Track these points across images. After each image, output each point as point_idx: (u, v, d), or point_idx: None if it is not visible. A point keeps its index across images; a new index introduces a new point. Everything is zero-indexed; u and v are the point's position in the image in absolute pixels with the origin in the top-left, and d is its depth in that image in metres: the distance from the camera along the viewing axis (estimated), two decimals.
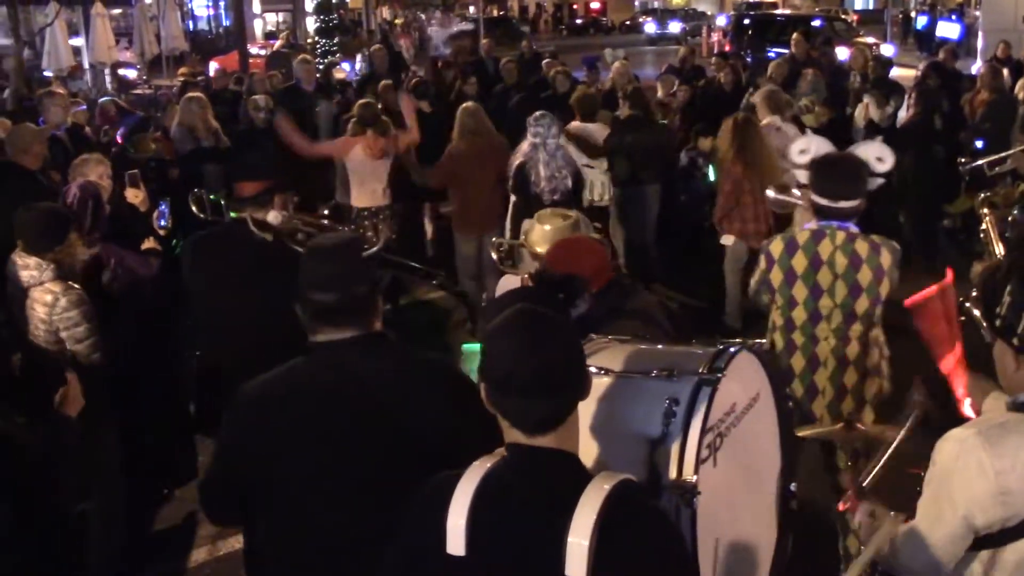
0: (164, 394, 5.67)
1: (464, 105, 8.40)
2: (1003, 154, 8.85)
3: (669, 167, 9.46)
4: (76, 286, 4.62)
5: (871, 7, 56.64)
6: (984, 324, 2.50)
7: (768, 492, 2.90)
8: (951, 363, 3.11)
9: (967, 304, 6.04)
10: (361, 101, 8.74)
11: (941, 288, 3.24)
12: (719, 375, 2.52)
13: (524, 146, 7.42)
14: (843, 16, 38.71)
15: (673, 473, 2.40)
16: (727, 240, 7.93)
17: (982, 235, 5.96)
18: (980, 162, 8.84)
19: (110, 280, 5.16)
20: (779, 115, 8.58)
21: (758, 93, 9.28)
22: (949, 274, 3.33)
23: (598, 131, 9.04)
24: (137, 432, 5.18)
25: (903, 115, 9.93)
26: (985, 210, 5.93)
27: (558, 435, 2.09)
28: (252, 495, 2.78)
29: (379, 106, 8.85)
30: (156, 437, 5.52)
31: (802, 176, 4.50)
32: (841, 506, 2.89)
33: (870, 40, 26.57)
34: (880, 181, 4.34)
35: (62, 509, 4.12)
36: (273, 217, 4.32)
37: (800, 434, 3.83)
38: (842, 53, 15.46)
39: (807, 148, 4.51)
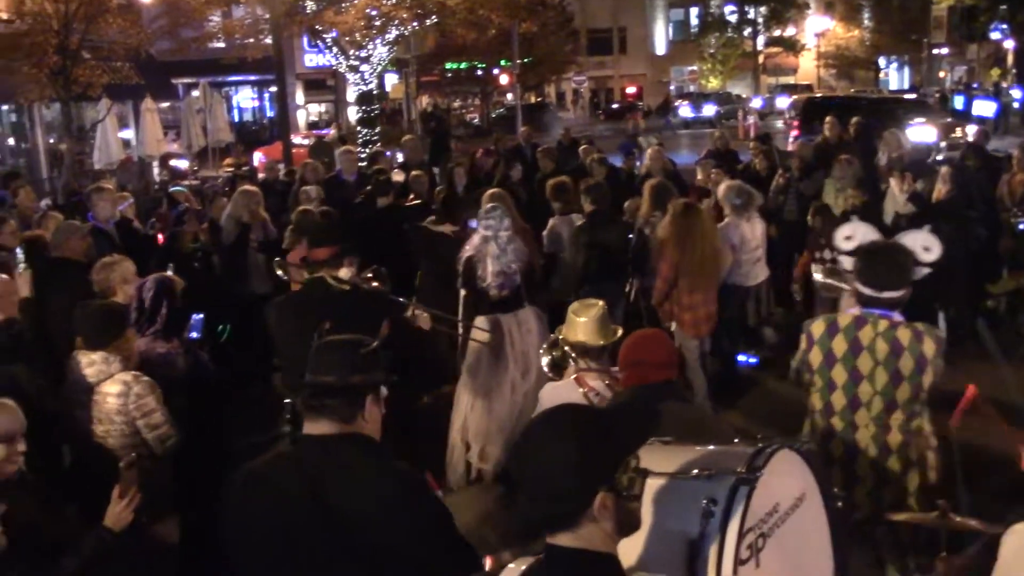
0: (214, 485, 5.70)
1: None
2: None
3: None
4: (144, 376, 4.71)
5: (905, 87, 56.97)
6: None
7: None
8: None
9: None
10: (300, 208, 8.80)
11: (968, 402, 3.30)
12: (757, 474, 2.50)
13: (475, 239, 7.13)
14: (924, 97, 37.22)
15: (711, 574, 2.39)
16: (674, 328, 7.67)
17: None
18: None
19: (181, 371, 5.29)
20: (748, 210, 8.56)
21: (720, 188, 9.19)
22: (970, 389, 3.48)
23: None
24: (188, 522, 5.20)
25: (936, 193, 9.92)
26: None
27: (585, 535, 2.08)
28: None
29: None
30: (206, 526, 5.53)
31: (847, 262, 4.49)
32: None
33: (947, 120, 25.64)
34: (926, 271, 4.33)
35: None
36: (345, 272, 5.17)
37: (895, 519, 3.81)
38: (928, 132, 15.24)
39: (852, 234, 4.51)
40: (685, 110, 52.15)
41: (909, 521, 3.92)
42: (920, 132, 18.09)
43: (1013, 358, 8.80)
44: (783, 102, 52.49)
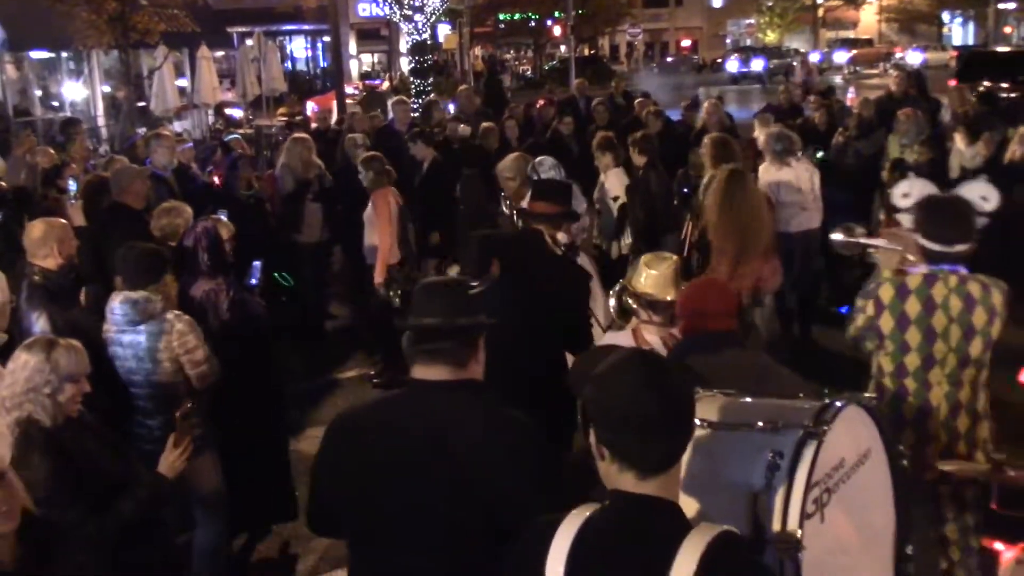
0: (265, 429, 5.78)
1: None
2: None
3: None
4: (185, 315, 4.81)
5: (971, 43, 55.51)
6: None
7: (884, 552, 2.81)
8: None
9: None
10: (368, 156, 8.61)
11: None
12: (825, 428, 2.46)
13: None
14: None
15: (776, 527, 2.36)
16: None
17: None
18: None
19: (227, 311, 5.35)
20: (789, 155, 8.41)
21: (761, 137, 9.04)
22: None
23: None
24: (238, 466, 5.27)
25: (1009, 153, 9.64)
26: None
27: (664, 482, 2.09)
28: (340, 516, 2.89)
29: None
30: (257, 471, 5.60)
31: (905, 220, 4.39)
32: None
33: None
34: (985, 220, 4.23)
35: (166, 540, 4.27)
36: (564, 237, 4.94)
37: (944, 468, 3.76)
38: None
39: (909, 192, 4.40)
40: (732, 64, 49.82)
41: (960, 472, 3.88)
42: None
43: None
44: (841, 56, 51.42)
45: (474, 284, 2.93)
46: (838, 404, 2.59)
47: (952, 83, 20.00)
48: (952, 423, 4.19)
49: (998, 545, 2.83)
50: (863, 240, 5.13)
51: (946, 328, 4.12)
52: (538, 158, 7.59)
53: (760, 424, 2.53)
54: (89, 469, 3.78)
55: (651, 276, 4.39)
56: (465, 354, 2.76)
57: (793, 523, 2.34)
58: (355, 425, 2.86)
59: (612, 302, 4.73)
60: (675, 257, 4.59)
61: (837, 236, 5.32)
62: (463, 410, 2.70)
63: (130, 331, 4.72)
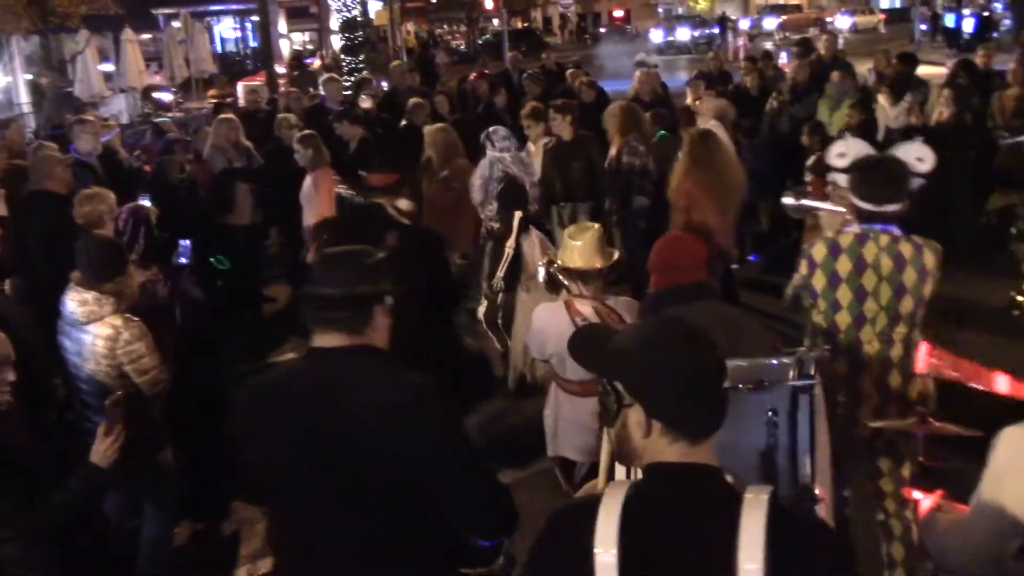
0: (210, 414, 5.70)
1: (433, 127, 8.36)
2: None
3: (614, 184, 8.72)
4: (136, 319, 4.62)
5: (898, 6, 56.26)
6: None
7: (826, 496, 2.87)
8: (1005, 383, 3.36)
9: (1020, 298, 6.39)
10: (305, 134, 8.55)
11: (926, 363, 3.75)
12: (812, 383, 2.50)
13: (486, 164, 7.29)
14: None
15: (790, 483, 2.39)
16: None
17: None
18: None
19: (164, 299, 5.24)
20: (720, 122, 8.50)
21: (704, 103, 9.10)
22: (923, 346, 3.89)
23: None
24: (182, 455, 5.18)
25: (936, 114, 9.83)
26: None
27: (709, 447, 1.99)
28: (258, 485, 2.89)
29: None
30: (200, 457, 5.52)
31: (841, 180, 4.43)
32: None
33: None
34: (921, 181, 4.28)
35: (103, 531, 4.21)
36: (405, 204, 4.90)
37: (872, 425, 3.83)
38: None
39: (845, 152, 4.43)
40: (657, 35, 49.08)
41: (889, 428, 3.96)
42: None
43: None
44: (771, 23, 51.73)
45: (378, 252, 2.89)
46: (813, 356, 2.65)
47: None
48: (884, 381, 4.22)
49: (916, 494, 2.89)
50: (811, 203, 5.20)
51: (876, 287, 4.15)
52: (492, 127, 7.61)
53: (740, 385, 2.54)
54: (21, 461, 3.69)
55: (576, 248, 4.38)
56: (360, 322, 2.74)
57: (806, 478, 2.37)
58: (256, 396, 2.87)
59: (541, 275, 4.75)
60: (596, 225, 4.60)
61: (788, 200, 5.42)
62: (356, 374, 2.69)
63: (76, 329, 4.57)
